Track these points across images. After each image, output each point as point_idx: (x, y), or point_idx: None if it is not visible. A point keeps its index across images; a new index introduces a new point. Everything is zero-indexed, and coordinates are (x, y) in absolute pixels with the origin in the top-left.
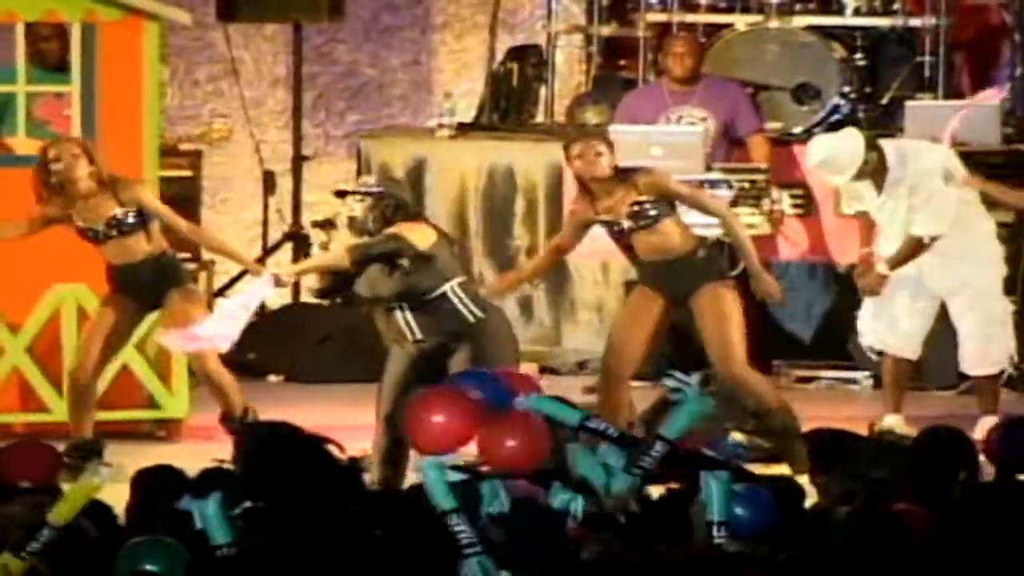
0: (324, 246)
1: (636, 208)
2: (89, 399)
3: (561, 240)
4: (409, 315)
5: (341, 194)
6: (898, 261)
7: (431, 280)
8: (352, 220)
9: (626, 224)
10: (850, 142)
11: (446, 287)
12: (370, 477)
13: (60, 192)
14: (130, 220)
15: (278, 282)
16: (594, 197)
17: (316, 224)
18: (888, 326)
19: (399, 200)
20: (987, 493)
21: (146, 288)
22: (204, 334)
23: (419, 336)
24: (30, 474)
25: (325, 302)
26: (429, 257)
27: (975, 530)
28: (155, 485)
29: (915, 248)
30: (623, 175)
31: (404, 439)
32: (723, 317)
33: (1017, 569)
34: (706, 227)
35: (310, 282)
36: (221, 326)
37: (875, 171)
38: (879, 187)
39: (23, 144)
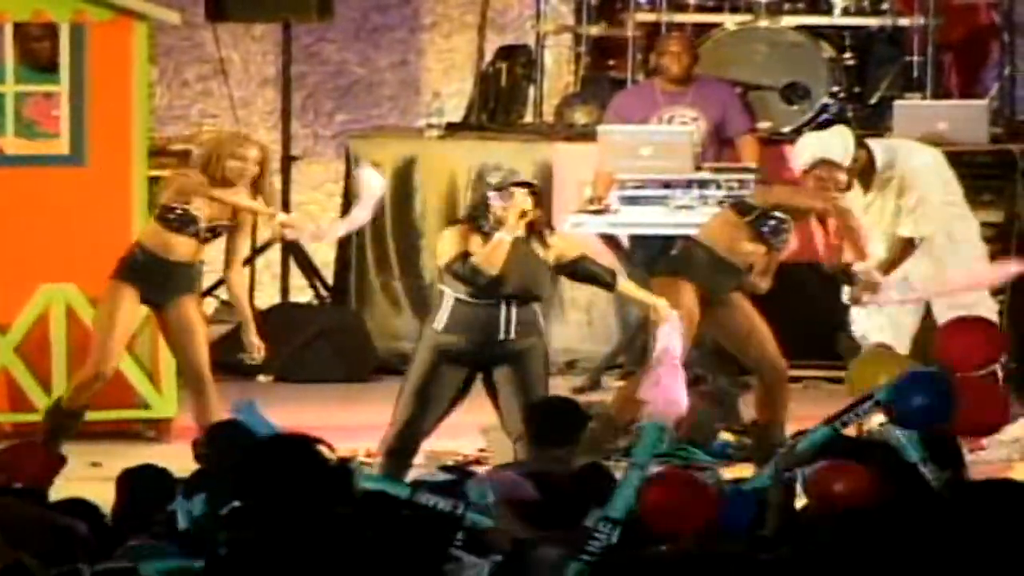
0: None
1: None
2: (100, 389)
3: None
4: (513, 313)
5: None
6: (890, 265)
7: (546, 284)
8: None
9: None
10: (840, 138)
11: (546, 293)
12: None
13: (213, 182)
14: (224, 230)
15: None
16: None
17: None
18: (880, 324)
19: None
20: (973, 491)
21: (164, 287)
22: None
23: (511, 336)
24: (24, 475)
25: (315, 302)
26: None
27: (961, 529)
28: (141, 485)
29: (905, 250)
30: None
31: (416, 446)
32: (753, 316)
33: (1003, 567)
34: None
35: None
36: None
37: (863, 170)
38: (866, 187)
39: (12, 144)
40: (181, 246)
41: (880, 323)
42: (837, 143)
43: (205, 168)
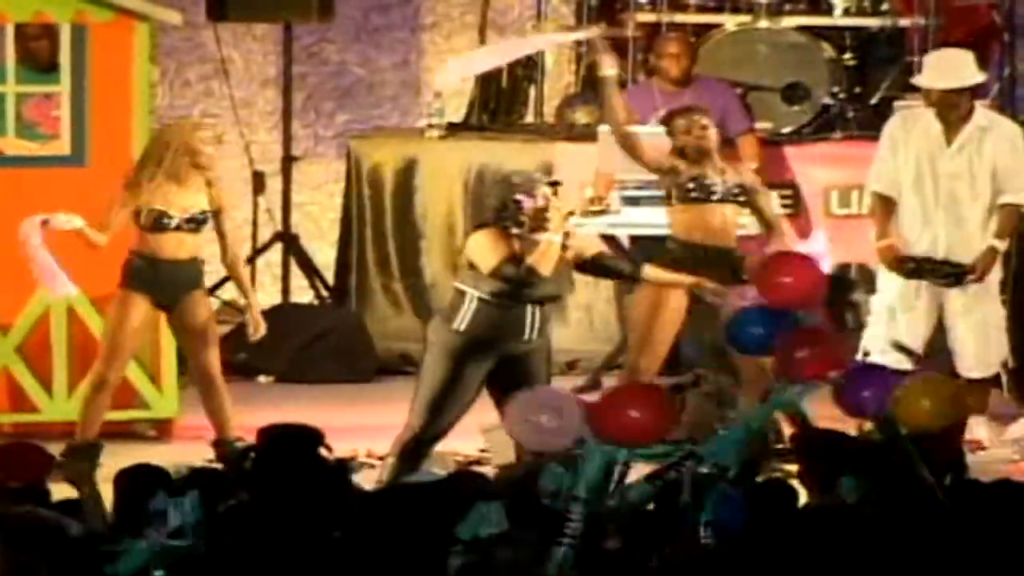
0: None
1: (736, 186)
2: (108, 401)
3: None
4: (539, 314)
5: None
6: (1005, 233)
7: (567, 286)
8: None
9: (719, 185)
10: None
11: (567, 293)
12: (381, 474)
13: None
14: (206, 218)
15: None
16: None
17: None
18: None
19: None
20: (975, 493)
21: (171, 287)
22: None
23: (535, 336)
24: (19, 475)
25: (316, 302)
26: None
27: (963, 530)
28: (138, 484)
29: (1018, 218)
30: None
31: (434, 443)
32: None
33: (1004, 567)
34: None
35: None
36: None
37: (960, 116)
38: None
39: (12, 145)
40: (170, 243)
41: (894, 331)
42: (968, 59)
43: (159, 163)
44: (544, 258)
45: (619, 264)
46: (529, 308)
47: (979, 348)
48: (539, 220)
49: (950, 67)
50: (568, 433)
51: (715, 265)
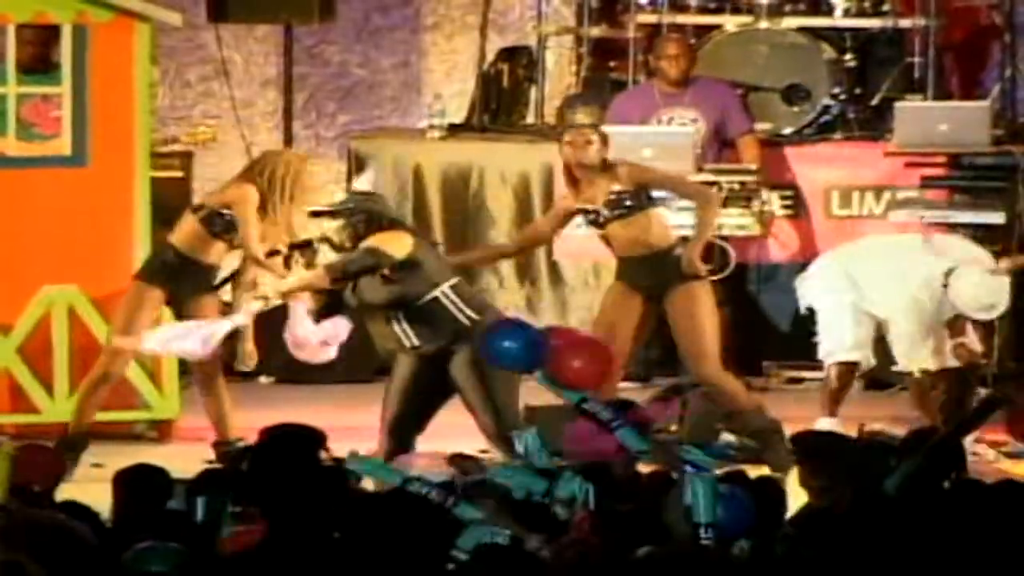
0: (308, 265)
1: (613, 197)
2: (104, 395)
3: (541, 224)
4: (404, 323)
5: (315, 214)
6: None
7: (419, 286)
8: (327, 240)
9: (603, 212)
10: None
11: (437, 292)
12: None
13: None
14: (229, 220)
15: (264, 303)
16: (579, 186)
17: (294, 246)
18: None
19: (371, 212)
20: (977, 493)
21: (189, 286)
22: (170, 337)
23: (416, 343)
24: (35, 477)
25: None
26: (412, 264)
27: (962, 529)
28: (137, 485)
29: None
30: (609, 166)
31: (408, 444)
32: (695, 317)
33: (1004, 567)
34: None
35: (308, 303)
36: (185, 340)
37: None
38: None
39: (13, 146)
40: (216, 250)
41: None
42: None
43: (269, 186)
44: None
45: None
46: (392, 321)
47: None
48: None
49: None
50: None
51: (657, 269)
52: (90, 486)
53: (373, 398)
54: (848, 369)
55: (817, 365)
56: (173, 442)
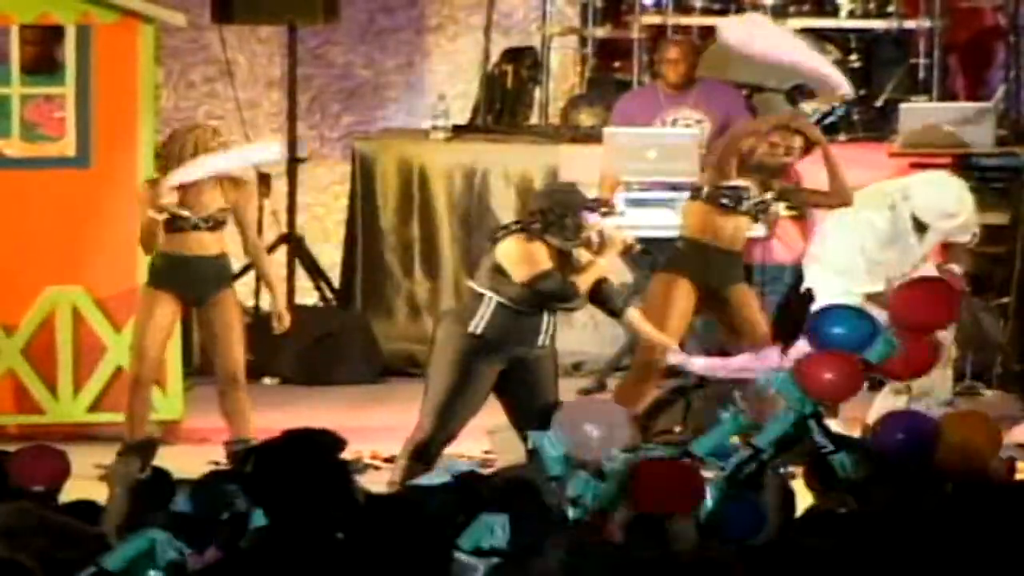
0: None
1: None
2: (150, 398)
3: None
4: (554, 321)
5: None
6: None
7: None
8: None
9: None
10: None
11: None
12: (393, 475)
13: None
14: (224, 217)
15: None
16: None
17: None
18: None
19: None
20: (976, 493)
21: (200, 283)
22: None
23: (546, 342)
24: (39, 478)
25: (321, 304)
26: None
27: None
28: (139, 486)
29: None
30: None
31: (445, 445)
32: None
33: (1004, 568)
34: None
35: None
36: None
37: None
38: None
39: (18, 147)
40: (191, 240)
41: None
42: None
43: (179, 163)
44: (588, 279)
45: (613, 297)
46: (545, 315)
47: None
48: (598, 242)
49: None
50: (614, 444)
51: (721, 267)
52: (93, 486)
53: (378, 400)
54: None
55: None
56: (177, 443)
